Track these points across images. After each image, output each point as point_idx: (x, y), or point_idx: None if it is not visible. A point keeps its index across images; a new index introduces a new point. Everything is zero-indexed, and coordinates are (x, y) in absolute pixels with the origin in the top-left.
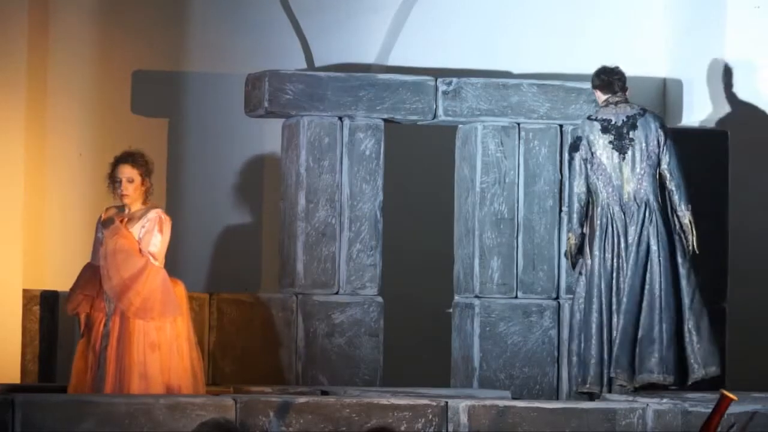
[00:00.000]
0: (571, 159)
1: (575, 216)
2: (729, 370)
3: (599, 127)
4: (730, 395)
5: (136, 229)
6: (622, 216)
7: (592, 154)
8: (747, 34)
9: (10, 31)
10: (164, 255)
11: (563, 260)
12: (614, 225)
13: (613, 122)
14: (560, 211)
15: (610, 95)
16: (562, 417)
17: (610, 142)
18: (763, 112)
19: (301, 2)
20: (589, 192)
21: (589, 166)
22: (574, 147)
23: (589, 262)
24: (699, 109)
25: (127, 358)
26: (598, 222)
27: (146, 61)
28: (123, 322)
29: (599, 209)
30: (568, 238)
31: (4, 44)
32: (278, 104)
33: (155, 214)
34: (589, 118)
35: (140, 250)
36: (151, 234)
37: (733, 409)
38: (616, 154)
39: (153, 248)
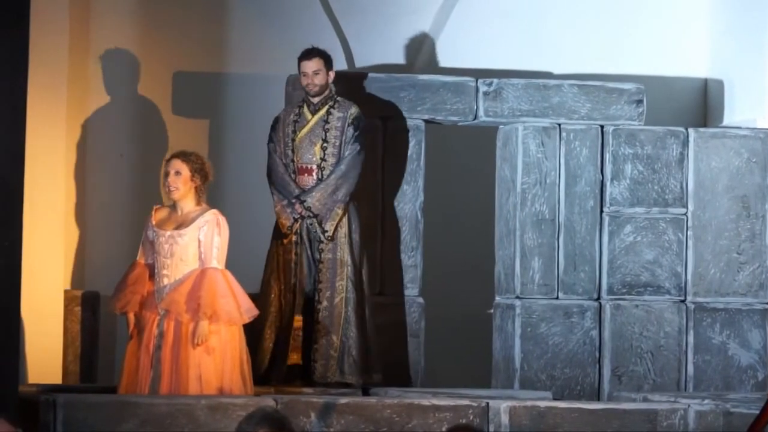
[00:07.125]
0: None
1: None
2: None
3: None
4: None
5: (192, 231)
6: None
7: None
8: None
9: (52, 32)
10: (225, 255)
11: (605, 261)
12: None
13: None
14: (601, 211)
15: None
16: (603, 418)
17: None
18: None
19: (342, 3)
20: None
21: None
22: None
23: None
24: (740, 110)
25: (183, 359)
26: None
27: (187, 62)
28: (178, 324)
29: None
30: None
31: (46, 46)
32: None
33: (212, 215)
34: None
35: (200, 256)
36: (212, 238)
37: None
38: None
39: (215, 251)
